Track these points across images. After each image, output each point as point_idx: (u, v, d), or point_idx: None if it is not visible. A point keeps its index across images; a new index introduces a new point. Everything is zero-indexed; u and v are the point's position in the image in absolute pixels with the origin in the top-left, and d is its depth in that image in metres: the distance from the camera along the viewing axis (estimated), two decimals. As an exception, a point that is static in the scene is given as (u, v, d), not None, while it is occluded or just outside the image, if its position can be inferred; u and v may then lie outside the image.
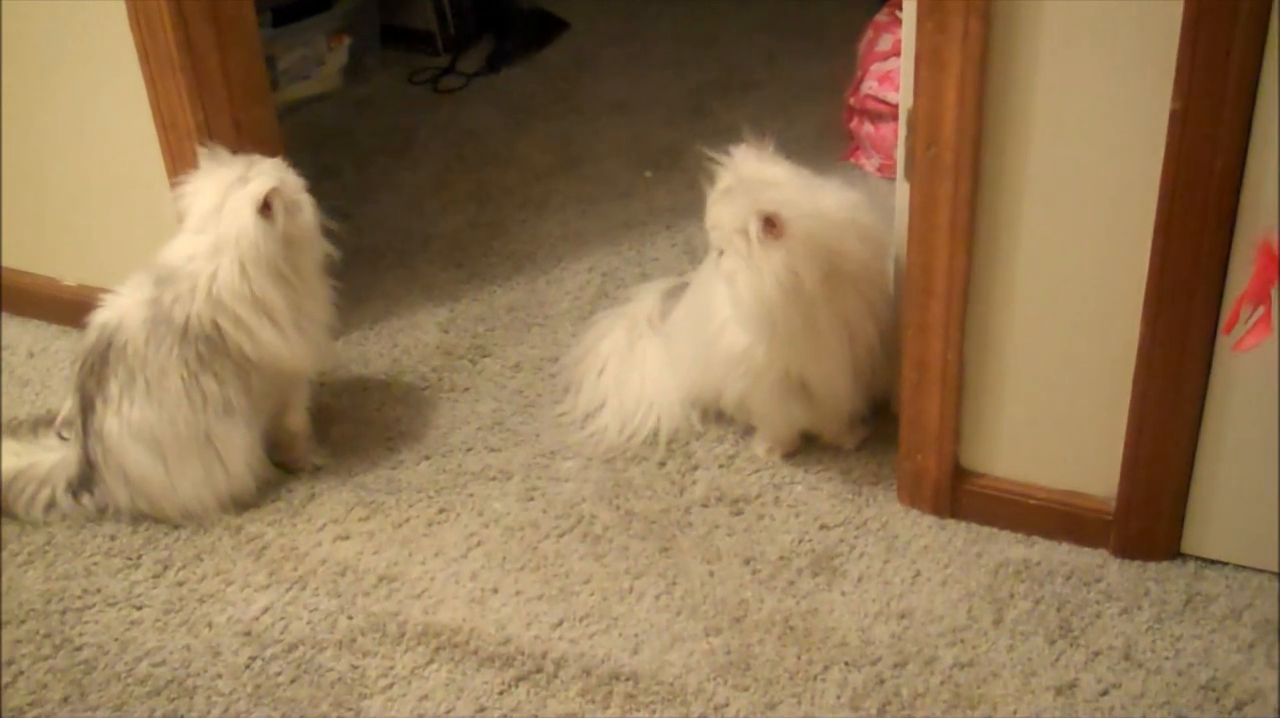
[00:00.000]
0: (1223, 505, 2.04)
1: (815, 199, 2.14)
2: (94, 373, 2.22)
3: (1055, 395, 2.06)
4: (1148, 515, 2.08)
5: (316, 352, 2.34)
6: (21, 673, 2.05)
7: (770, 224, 2.04)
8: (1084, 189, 1.89)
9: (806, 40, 3.72)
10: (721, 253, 2.13)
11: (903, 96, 2.05)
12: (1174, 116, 1.77)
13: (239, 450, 2.27)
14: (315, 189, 2.28)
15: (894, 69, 2.97)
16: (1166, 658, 1.97)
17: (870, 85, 3.07)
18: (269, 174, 2.21)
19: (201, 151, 2.27)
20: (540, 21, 3.88)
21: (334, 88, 3.66)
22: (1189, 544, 2.10)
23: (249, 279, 2.19)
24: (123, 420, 2.22)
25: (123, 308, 2.23)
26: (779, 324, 2.13)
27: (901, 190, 2.12)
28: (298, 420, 2.39)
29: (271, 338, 2.23)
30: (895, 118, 2.79)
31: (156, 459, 2.23)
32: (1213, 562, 2.10)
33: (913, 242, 2.03)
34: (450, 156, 3.33)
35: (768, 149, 2.19)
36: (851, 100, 3.15)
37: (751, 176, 2.15)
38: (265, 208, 2.18)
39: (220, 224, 2.19)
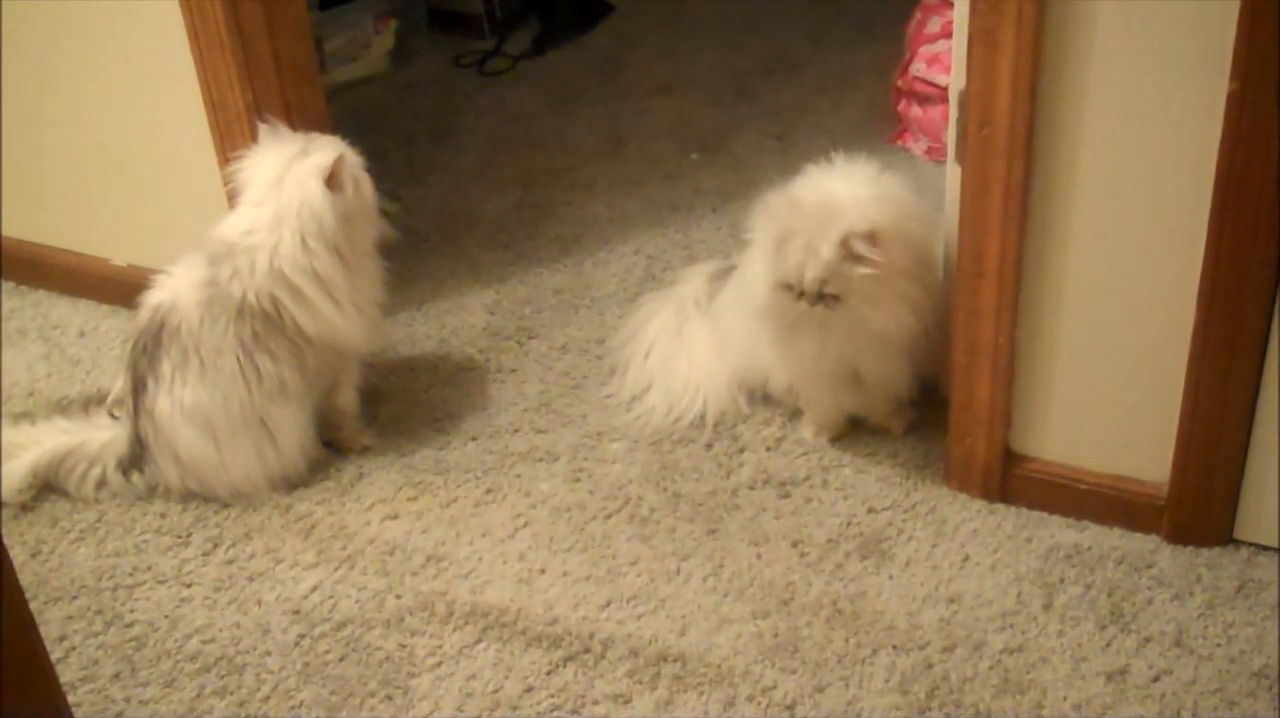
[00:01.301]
0: (1277, 491, 2.02)
1: (855, 193, 2.11)
2: (146, 353, 2.24)
3: (1107, 379, 2.05)
4: (1200, 501, 2.06)
5: (372, 329, 2.35)
6: (73, 649, 2.07)
7: (870, 237, 2.02)
8: (1139, 171, 1.87)
9: (852, 23, 3.71)
10: (833, 300, 2.07)
11: (954, 78, 2.03)
12: (1231, 98, 1.75)
13: (291, 430, 2.29)
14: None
15: (943, 51, 2.95)
16: (1218, 645, 1.96)
17: (919, 67, 3.05)
18: (331, 147, 2.22)
19: (262, 127, 2.28)
20: (585, 4, 3.87)
21: (380, 70, 3.67)
22: (1242, 530, 2.08)
23: (310, 252, 2.20)
24: (174, 400, 2.23)
25: (176, 288, 2.25)
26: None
27: (952, 173, 2.10)
28: (348, 399, 2.40)
29: (330, 313, 2.24)
30: (944, 100, 2.78)
31: (208, 439, 2.25)
32: (1266, 548, 2.08)
33: (964, 224, 2.01)
34: (496, 139, 3.33)
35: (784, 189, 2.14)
36: (899, 83, 3.13)
37: (803, 212, 2.08)
38: (331, 179, 2.19)
39: (282, 196, 2.20)
